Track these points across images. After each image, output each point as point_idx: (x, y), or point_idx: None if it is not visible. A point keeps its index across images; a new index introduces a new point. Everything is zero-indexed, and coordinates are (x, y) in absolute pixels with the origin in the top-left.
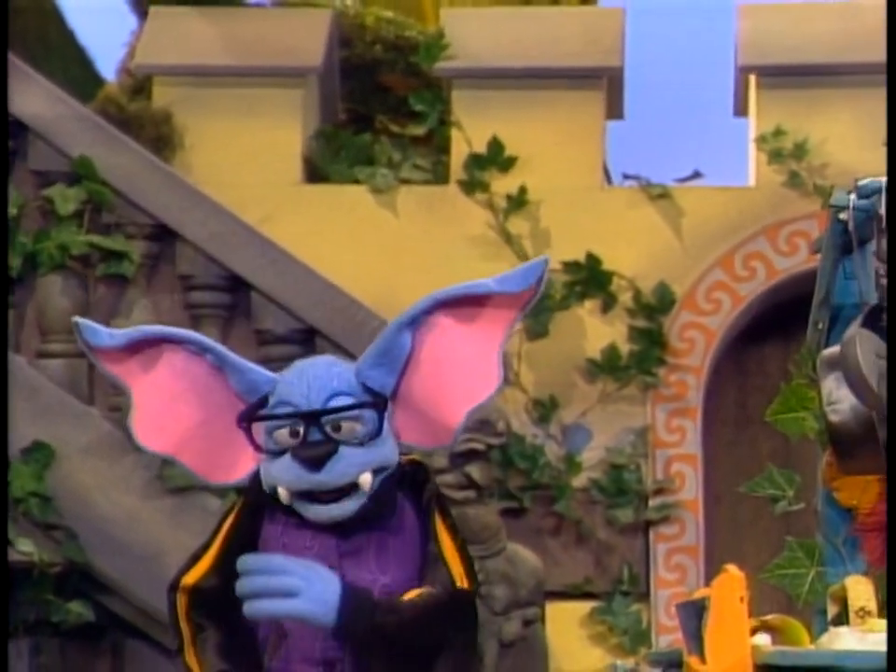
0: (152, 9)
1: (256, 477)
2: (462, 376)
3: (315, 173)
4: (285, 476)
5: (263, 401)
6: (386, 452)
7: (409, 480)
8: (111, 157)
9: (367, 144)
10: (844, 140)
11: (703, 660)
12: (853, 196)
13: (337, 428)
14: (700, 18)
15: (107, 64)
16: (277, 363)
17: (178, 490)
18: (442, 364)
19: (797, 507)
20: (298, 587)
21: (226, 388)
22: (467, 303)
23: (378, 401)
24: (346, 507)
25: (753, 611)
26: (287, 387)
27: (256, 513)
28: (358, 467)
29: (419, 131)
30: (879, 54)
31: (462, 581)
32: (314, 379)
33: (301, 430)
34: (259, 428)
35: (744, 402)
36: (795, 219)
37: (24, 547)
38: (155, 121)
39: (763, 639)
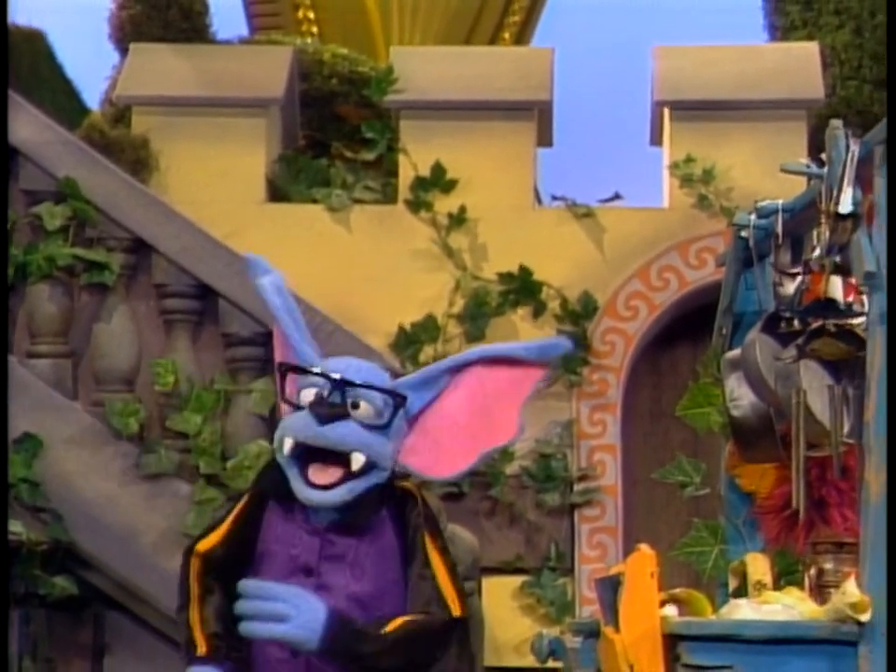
0: (132, 46)
1: (265, 472)
2: (483, 422)
3: (276, 193)
4: (294, 425)
5: (299, 366)
6: (385, 449)
7: (396, 502)
8: (94, 178)
9: (323, 167)
10: (746, 167)
11: (617, 629)
12: (753, 216)
13: (355, 405)
14: (620, 57)
15: (92, 95)
16: (242, 363)
17: (152, 477)
18: (468, 407)
19: (703, 491)
20: (288, 614)
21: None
22: (503, 362)
23: (398, 396)
24: (333, 495)
25: (664, 585)
26: (329, 362)
27: (261, 504)
28: (357, 441)
29: (370, 156)
30: (777, 92)
31: (455, 607)
32: (356, 364)
33: (326, 393)
34: (290, 383)
35: (658, 398)
36: (704, 237)
37: (15, 528)
38: (134, 146)
39: (670, 611)
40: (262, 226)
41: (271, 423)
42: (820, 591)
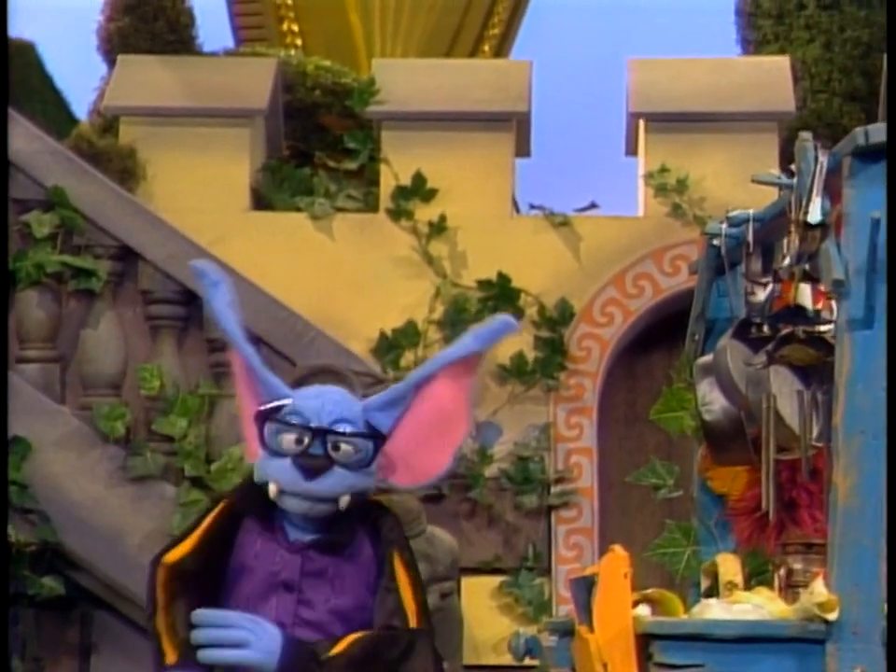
0: (120, 58)
1: (243, 490)
2: (445, 425)
3: (260, 201)
4: (282, 476)
5: (279, 407)
6: (368, 482)
7: (372, 518)
8: (81, 187)
9: (307, 176)
10: (718, 177)
11: (591, 629)
12: (725, 225)
13: (336, 448)
14: (596, 70)
15: (80, 106)
16: (226, 368)
17: (139, 479)
18: (436, 415)
19: (676, 494)
20: (247, 639)
21: (255, 388)
22: (459, 363)
23: (378, 437)
24: (321, 507)
25: (637, 585)
26: (303, 401)
27: (235, 520)
28: (345, 487)
29: (352, 165)
30: (749, 104)
31: (414, 620)
32: (327, 401)
33: (306, 441)
34: (267, 429)
35: (633, 402)
36: (677, 245)
37: None
38: (121, 156)
39: (643, 610)
40: (246, 234)
41: None
42: (790, 591)
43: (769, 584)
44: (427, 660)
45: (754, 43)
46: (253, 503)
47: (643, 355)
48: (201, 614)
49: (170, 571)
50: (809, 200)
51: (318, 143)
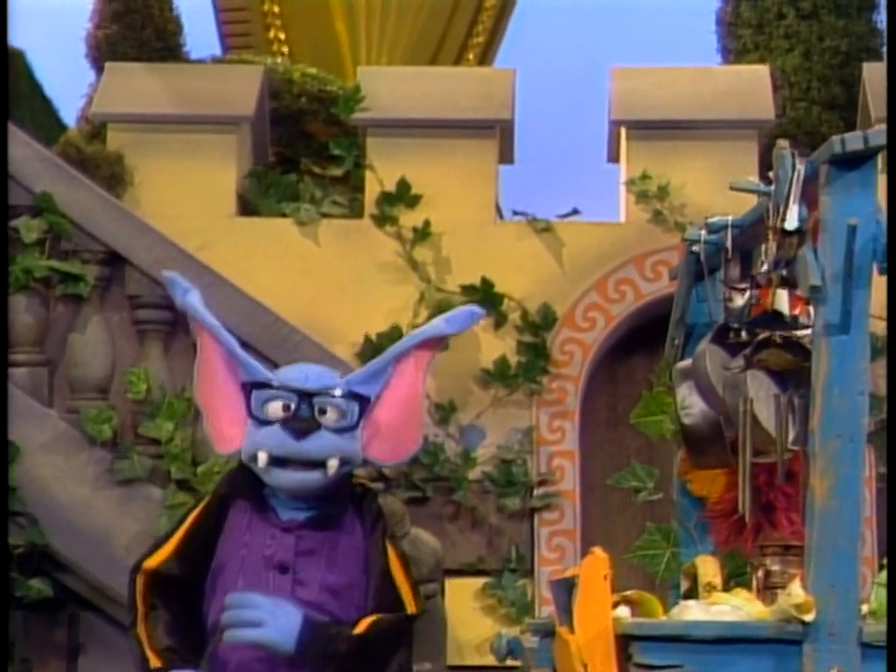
0: (108, 65)
1: (230, 477)
2: (414, 401)
3: (247, 207)
4: (269, 441)
5: (264, 380)
6: (355, 447)
7: (358, 498)
8: (69, 193)
9: (292, 183)
10: (699, 184)
11: (571, 630)
12: (704, 232)
13: (323, 412)
14: (579, 78)
15: (69, 113)
16: None
17: (126, 482)
18: (413, 390)
19: (656, 496)
20: (264, 619)
21: (233, 374)
22: (430, 343)
23: (362, 399)
24: (312, 477)
25: (618, 587)
26: (287, 374)
27: (222, 507)
28: (333, 449)
29: (338, 172)
30: (730, 112)
31: (411, 605)
32: (311, 371)
33: (293, 406)
34: (254, 399)
35: (614, 406)
36: (659, 251)
37: None
38: (109, 162)
39: (623, 612)
40: (233, 239)
41: None
42: (768, 592)
43: (747, 586)
44: (411, 644)
45: (734, 52)
46: (242, 484)
47: (624, 359)
48: (228, 597)
49: (149, 578)
50: (787, 207)
51: (304, 149)
